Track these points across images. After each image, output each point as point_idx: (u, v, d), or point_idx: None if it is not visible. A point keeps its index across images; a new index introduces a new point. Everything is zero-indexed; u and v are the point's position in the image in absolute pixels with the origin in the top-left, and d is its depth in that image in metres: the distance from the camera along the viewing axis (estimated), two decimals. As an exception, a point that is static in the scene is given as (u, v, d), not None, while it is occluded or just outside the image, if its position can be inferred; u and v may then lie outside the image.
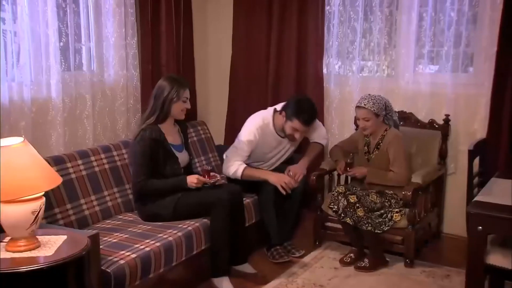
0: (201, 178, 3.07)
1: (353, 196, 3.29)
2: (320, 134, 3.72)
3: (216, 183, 3.16)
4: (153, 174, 3.04)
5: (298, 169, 3.50)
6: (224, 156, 3.66)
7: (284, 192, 3.37)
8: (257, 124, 3.49)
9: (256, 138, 3.46)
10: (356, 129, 3.77)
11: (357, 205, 3.26)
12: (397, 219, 3.26)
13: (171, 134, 3.15)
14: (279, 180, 3.38)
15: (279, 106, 3.53)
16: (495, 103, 3.40)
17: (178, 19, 3.99)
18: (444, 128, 3.65)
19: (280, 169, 3.59)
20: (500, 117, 3.37)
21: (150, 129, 3.03)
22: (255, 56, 4.26)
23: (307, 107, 3.39)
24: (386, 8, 3.81)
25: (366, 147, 3.48)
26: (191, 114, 4.29)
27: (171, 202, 3.07)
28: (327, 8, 3.98)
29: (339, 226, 3.48)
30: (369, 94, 3.42)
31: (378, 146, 3.40)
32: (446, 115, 3.64)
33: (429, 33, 3.70)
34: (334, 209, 3.36)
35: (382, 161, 3.38)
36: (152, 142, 3.01)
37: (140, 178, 3.02)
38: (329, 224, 3.60)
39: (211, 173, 3.14)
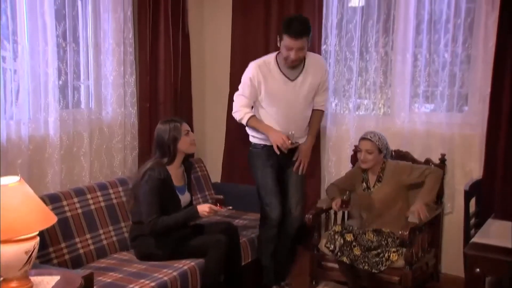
0: (213, 206, 3.03)
1: (349, 234, 3.28)
2: (323, 98, 3.60)
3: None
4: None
5: (303, 157, 3.48)
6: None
7: (277, 152, 3.32)
8: (256, 63, 3.41)
9: (254, 74, 3.36)
10: (352, 167, 3.78)
11: (354, 243, 3.24)
12: (394, 258, 3.23)
13: (176, 176, 3.16)
14: (277, 138, 3.30)
15: None
16: (490, 143, 3.41)
17: (176, 58, 4.05)
18: (440, 167, 3.65)
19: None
20: (495, 157, 3.38)
21: (158, 169, 3.03)
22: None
23: (295, 19, 3.25)
24: (382, 49, 3.88)
25: (364, 184, 3.49)
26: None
27: (169, 242, 3.04)
28: (323, 47, 4.04)
29: (335, 265, 3.44)
30: (373, 131, 3.48)
31: (380, 180, 3.41)
32: (442, 154, 3.65)
33: (424, 73, 3.75)
34: (330, 248, 3.34)
35: (385, 193, 3.39)
36: (160, 182, 3.01)
37: (152, 216, 2.98)
38: (325, 263, 3.56)
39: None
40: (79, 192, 3.15)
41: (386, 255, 3.23)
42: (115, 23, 3.60)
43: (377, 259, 3.22)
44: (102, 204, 3.24)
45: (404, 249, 3.23)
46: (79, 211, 3.08)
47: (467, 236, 2.95)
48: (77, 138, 3.44)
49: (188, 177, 3.31)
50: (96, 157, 3.59)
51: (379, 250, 3.24)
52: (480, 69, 3.52)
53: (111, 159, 3.70)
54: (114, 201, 3.33)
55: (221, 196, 3.14)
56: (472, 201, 3.21)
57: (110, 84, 3.63)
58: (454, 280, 3.64)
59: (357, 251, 3.22)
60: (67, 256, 2.91)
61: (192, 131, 4.28)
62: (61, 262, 2.87)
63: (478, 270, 2.51)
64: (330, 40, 4.03)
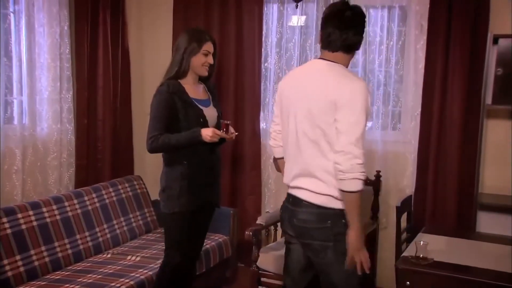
0: (217, 131, 2.72)
1: None
2: None
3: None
4: (174, 131, 2.74)
5: None
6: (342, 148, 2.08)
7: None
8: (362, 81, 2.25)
9: None
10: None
11: None
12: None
13: (193, 89, 2.84)
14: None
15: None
16: (421, 161, 3.56)
17: (115, 73, 4.01)
18: (376, 184, 3.76)
19: None
20: (426, 174, 3.53)
21: (168, 83, 2.75)
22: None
23: None
24: (320, 68, 3.97)
25: None
26: (128, 167, 4.25)
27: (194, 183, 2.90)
28: (264, 65, 4.11)
29: (276, 282, 3.45)
30: None
31: None
32: (377, 171, 3.76)
33: (360, 92, 3.87)
34: None
35: None
36: (169, 96, 2.71)
37: (153, 134, 2.70)
38: (265, 279, 3.57)
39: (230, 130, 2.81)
40: (9, 212, 3.01)
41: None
42: (51, 38, 3.53)
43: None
44: (34, 223, 3.11)
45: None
46: (8, 231, 2.95)
47: (398, 250, 3.04)
48: (8, 155, 3.33)
49: (212, 95, 2.96)
50: (30, 174, 3.48)
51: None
52: (411, 89, 3.67)
53: (46, 176, 3.60)
54: (48, 220, 3.21)
55: (228, 122, 2.80)
56: (404, 216, 3.32)
57: (45, 99, 3.54)
58: (390, 294, 3.73)
59: None
60: (-6, 279, 2.79)
61: (132, 146, 4.26)
62: (-13, 285, 2.74)
63: (408, 283, 2.59)
64: (270, 58, 4.10)
